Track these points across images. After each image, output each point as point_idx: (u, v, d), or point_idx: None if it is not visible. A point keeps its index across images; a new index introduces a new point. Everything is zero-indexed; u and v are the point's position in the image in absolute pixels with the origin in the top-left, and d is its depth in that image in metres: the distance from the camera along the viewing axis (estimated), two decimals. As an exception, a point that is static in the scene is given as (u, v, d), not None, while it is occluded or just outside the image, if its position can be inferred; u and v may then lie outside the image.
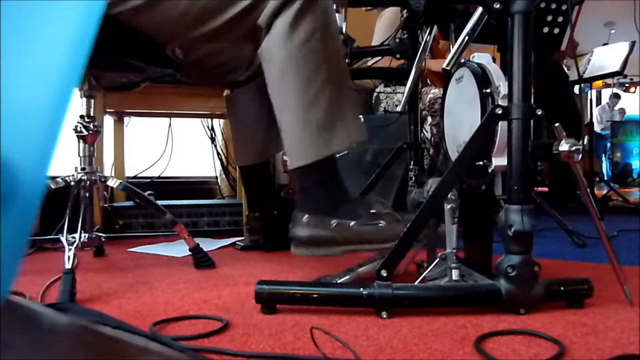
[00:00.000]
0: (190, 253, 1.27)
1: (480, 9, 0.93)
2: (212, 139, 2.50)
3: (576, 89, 3.26)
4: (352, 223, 0.98)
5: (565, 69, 2.96)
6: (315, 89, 0.99)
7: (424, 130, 2.01)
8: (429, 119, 2.02)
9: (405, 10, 1.35)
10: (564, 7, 1.49)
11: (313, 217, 0.98)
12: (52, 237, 1.29)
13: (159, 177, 2.41)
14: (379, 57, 1.90)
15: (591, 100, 3.71)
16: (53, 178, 1.23)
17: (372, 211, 1.00)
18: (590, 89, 3.73)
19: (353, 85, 2.29)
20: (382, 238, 0.96)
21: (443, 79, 2.02)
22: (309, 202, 1.01)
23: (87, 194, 1.24)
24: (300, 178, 1.02)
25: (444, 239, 0.91)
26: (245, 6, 1.02)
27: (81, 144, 1.24)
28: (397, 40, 1.42)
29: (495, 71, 0.93)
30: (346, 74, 1.07)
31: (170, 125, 2.41)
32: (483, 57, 0.97)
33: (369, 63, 2.05)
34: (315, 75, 0.99)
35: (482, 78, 0.93)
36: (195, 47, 1.21)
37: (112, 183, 1.31)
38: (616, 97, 7.12)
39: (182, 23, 1.06)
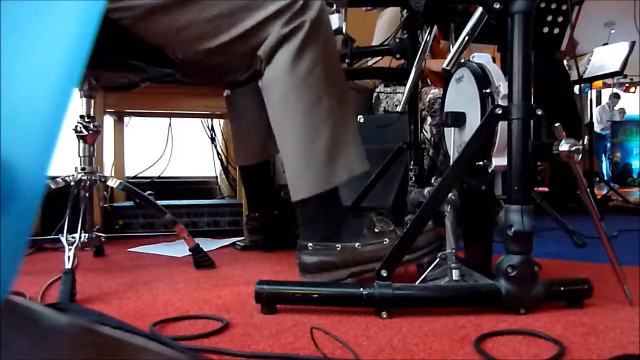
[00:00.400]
0: (190, 253, 1.27)
1: (480, 9, 0.93)
2: (212, 139, 2.50)
3: (576, 89, 3.26)
4: (357, 245, 0.99)
5: (567, 68, 2.96)
6: (317, 121, 0.98)
7: (424, 130, 2.01)
8: (429, 119, 2.02)
9: (405, 10, 1.35)
10: (564, 7, 1.49)
11: (318, 244, 0.99)
12: (52, 237, 1.29)
13: (159, 177, 2.41)
14: (379, 57, 1.90)
15: (591, 100, 3.71)
16: (53, 178, 1.23)
17: (375, 230, 1.00)
18: (590, 89, 3.73)
19: (353, 85, 2.29)
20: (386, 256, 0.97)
21: (443, 79, 2.03)
22: (312, 231, 1.01)
23: (87, 194, 1.24)
24: (302, 209, 1.02)
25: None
26: (245, 30, 1.00)
27: (81, 144, 1.24)
28: (397, 40, 1.41)
29: (495, 71, 0.93)
30: (349, 101, 1.07)
31: (170, 125, 2.41)
32: (483, 57, 0.97)
33: (369, 63, 2.05)
34: (317, 108, 0.98)
35: (482, 78, 0.93)
36: (194, 57, 1.21)
37: (112, 183, 1.31)
38: (616, 97, 7.13)
39: (180, 38, 1.05)
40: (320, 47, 1.00)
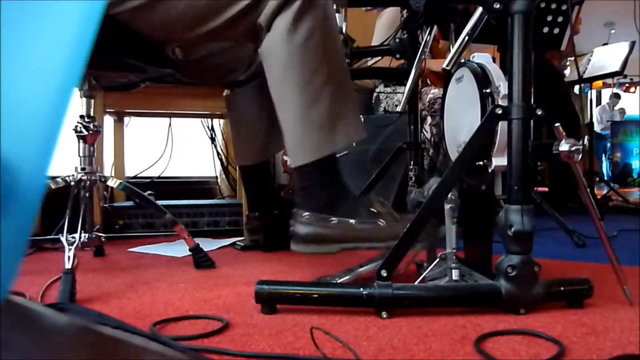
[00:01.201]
0: (190, 253, 1.27)
1: (480, 9, 0.93)
2: (212, 139, 2.50)
3: (576, 89, 3.26)
4: (352, 221, 0.98)
5: (565, 69, 2.96)
6: (316, 88, 0.99)
7: (424, 130, 2.01)
8: (429, 119, 2.02)
9: (405, 10, 1.35)
10: (564, 7, 1.49)
11: (313, 215, 0.99)
12: (52, 237, 1.29)
13: (159, 177, 2.41)
14: (379, 57, 1.90)
15: (591, 100, 3.71)
16: (53, 178, 1.23)
17: (372, 210, 1.00)
18: (590, 89, 3.74)
19: (353, 84, 2.29)
20: (381, 237, 0.97)
21: (443, 79, 2.02)
22: (309, 200, 1.01)
23: (87, 194, 1.24)
24: (301, 176, 1.02)
25: (444, 239, 0.91)
26: (245, 5, 1.02)
27: (81, 144, 1.24)
28: (397, 40, 1.41)
29: (495, 71, 0.93)
30: (347, 73, 1.08)
31: (170, 125, 2.41)
32: (483, 57, 0.97)
33: (369, 63, 2.05)
34: (316, 74, 0.99)
35: (482, 78, 0.93)
36: (196, 46, 1.20)
37: (112, 183, 1.31)
38: (616, 97, 7.13)
39: (181, 23, 1.06)
40: (318, 15, 1.00)
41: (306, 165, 1.00)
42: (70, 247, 1.02)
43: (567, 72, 3.12)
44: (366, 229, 0.98)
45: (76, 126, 1.23)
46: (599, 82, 4.29)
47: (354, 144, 1.02)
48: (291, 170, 1.02)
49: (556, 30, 1.53)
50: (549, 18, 1.51)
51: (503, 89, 0.87)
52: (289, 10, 0.99)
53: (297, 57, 0.99)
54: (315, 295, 0.84)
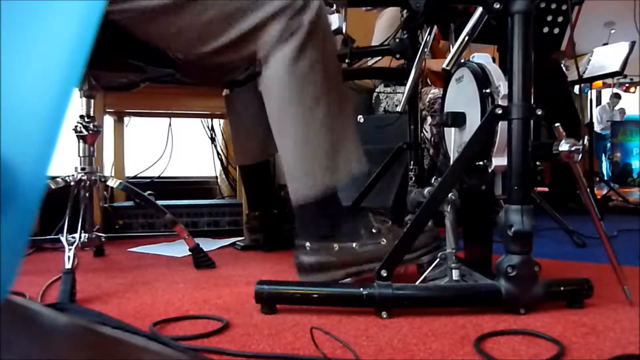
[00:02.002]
0: (190, 253, 1.27)
1: (480, 9, 0.93)
2: (212, 139, 2.50)
3: (576, 89, 3.26)
4: (354, 245, 0.98)
5: (565, 69, 2.96)
6: (316, 123, 0.98)
7: (424, 130, 2.01)
8: (429, 119, 2.02)
9: (405, 10, 1.35)
10: (564, 7, 1.49)
11: (315, 244, 0.99)
12: (52, 237, 1.29)
13: (159, 177, 2.41)
14: (379, 57, 1.90)
15: (591, 100, 3.71)
16: (53, 178, 1.23)
17: (372, 230, 1.00)
18: (590, 89, 3.73)
19: (353, 85, 2.29)
20: (384, 256, 0.97)
21: (443, 79, 2.03)
22: (310, 231, 1.01)
23: (87, 194, 1.24)
24: (302, 210, 1.02)
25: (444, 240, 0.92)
26: (244, 31, 1.00)
27: (81, 144, 1.24)
28: (397, 40, 1.41)
29: (495, 71, 0.93)
30: (348, 102, 1.07)
31: (170, 125, 2.41)
32: (483, 57, 0.97)
33: (369, 63, 2.05)
34: (316, 110, 0.98)
35: (482, 78, 0.93)
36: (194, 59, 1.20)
37: (112, 183, 1.31)
38: (616, 97, 7.13)
39: (179, 41, 1.05)
40: (319, 48, 0.99)
41: (307, 202, 0.99)
42: (70, 247, 1.02)
43: (567, 72, 3.12)
44: (368, 250, 0.98)
45: (76, 126, 1.23)
46: (599, 82, 4.29)
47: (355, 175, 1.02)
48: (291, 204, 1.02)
49: (556, 30, 1.53)
50: (549, 18, 1.51)
51: (503, 89, 0.87)
52: (290, 45, 0.97)
53: (297, 92, 0.97)
54: (315, 295, 0.84)
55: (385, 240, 0.99)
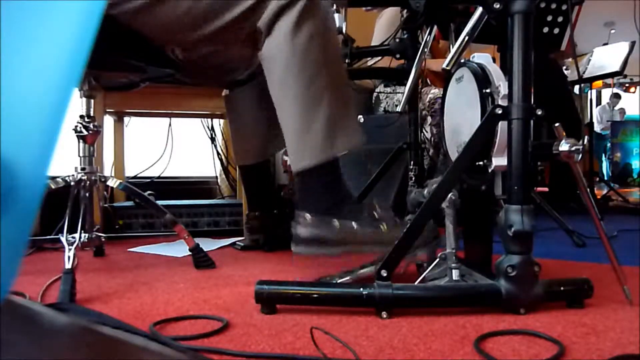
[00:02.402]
0: (190, 253, 1.27)
1: (480, 9, 0.93)
2: (212, 139, 2.50)
3: (576, 89, 3.26)
4: (354, 224, 0.98)
5: (565, 68, 2.97)
6: (316, 91, 0.99)
7: (424, 130, 2.01)
8: (429, 119, 2.02)
9: (405, 10, 1.35)
10: (564, 7, 1.49)
11: (315, 217, 0.99)
12: (52, 237, 1.29)
13: (159, 177, 2.41)
14: (379, 57, 1.90)
15: (591, 100, 3.71)
16: (53, 178, 1.23)
17: (374, 214, 1.00)
18: (590, 89, 3.73)
19: (353, 85, 2.29)
20: (382, 241, 0.96)
21: (443, 79, 2.03)
22: (310, 202, 1.01)
23: (87, 194, 1.24)
24: (302, 179, 1.02)
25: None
26: (244, 9, 1.02)
27: (81, 144, 1.24)
28: (397, 40, 1.41)
29: (495, 71, 0.93)
30: (345, 77, 1.08)
31: (170, 125, 2.41)
32: (483, 57, 0.97)
33: (369, 63, 2.05)
34: (316, 78, 0.99)
35: (482, 78, 0.93)
36: (195, 48, 1.21)
37: (112, 183, 1.31)
38: (616, 97, 7.12)
39: (181, 25, 1.06)
40: (318, 20, 1.01)
41: (307, 169, 1.00)
42: (70, 247, 1.02)
43: (567, 72, 3.12)
44: (368, 232, 0.98)
45: (76, 126, 1.23)
46: (599, 82, 4.28)
47: (355, 147, 1.02)
48: (291, 172, 1.02)
49: (556, 30, 1.53)
50: (549, 18, 1.51)
51: (503, 89, 0.87)
52: (290, 14, 0.99)
53: (298, 60, 0.99)
54: (315, 295, 0.84)
55: (385, 227, 0.98)
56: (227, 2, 1.02)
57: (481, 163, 0.92)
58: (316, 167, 0.99)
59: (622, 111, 7.55)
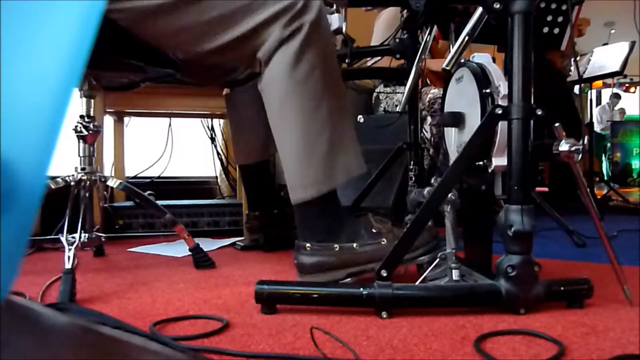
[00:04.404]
0: (190, 253, 1.27)
1: (480, 9, 0.93)
2: (212, 139, 2.50)
3: (576, 89, 3.26)
4: (355, 245, 0.99)
5: (570, 70, 2.97)
6: (316, 125, 0.98)
7: (424, 130, 2.01)
8: (429, 119, 2.02)
9: (405, 10, 1.35)
10: (564, 7, 1.49)
11: (315, 245, 0.99)
12: (52, 237, 1.29)
13: (159, 177, 2.41)
14: (379, 57, 1.90)
15: (591, 100, 3.71)
16: (53, 178, 1.23)
17: (373, 230, 1.00)
18: (590, 89, 3.73)
19: (353, 85, 2.29)
20: (384, 256, 0.97)
21: (443, 79, 2.03)
22: (309, 231, 1.01)
23: (87, 194, 1.24)
24: (301, 210, 1.02)
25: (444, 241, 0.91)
26: (245, 32, 1.00)
27: (81, 144, 1.24)
28: (397, 40, 1.41)
29: (495, 71, 0.93)
30: (347, 103, 1.07)
31: (170, 125, 2.41)
32: (483, 57, 0.97)
33: (369, 63, 2.05)
34: (316, 111, 0.98)
35: (482, 78, 0.93)
36: (195, 58, 1.21)
37: (112, 183, 1.31)
38: (616, 97, 7.12)
39: (179, 40, 1.05)
40: (320, 50, 1.00)
41: (307, 201, 1.00)
42: (70, 247, 1.02)
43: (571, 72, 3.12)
44: (369, 250, 0.98)
45: (76, 126, 1.23)
46: (599, 82, 4.28)
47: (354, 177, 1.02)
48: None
49: (556, 30, 1.53)
50: (549, 18, 1.51)
51: (503, 89, 0.87)
52: (290, 46, 0.97)
53: (298, 93, 0.98)
54: (315, 295, 0.84)
55: (385, 240, 0.99)
56: (228, 23, 1.00)
57: (481, 163, 0.92)
58: (314, 198, 0.99)
59: (622, 111, 7.55)
